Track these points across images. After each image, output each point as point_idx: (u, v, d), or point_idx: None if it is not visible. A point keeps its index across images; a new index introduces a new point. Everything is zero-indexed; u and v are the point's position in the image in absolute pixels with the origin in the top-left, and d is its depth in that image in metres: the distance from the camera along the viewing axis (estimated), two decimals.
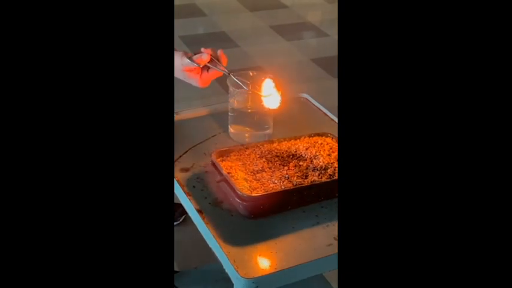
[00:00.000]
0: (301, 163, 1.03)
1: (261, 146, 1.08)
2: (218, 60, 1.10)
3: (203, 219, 0.95)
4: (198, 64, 1.09)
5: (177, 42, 3.12)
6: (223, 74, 1.11)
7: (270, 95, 1.09)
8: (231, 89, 1.15)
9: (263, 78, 1.12)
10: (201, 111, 1.30)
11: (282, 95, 1.10)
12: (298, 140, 1.11)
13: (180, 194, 1.03)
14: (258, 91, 1.10)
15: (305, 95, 1.38)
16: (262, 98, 1.10)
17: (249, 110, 1.16)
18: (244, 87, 1.10)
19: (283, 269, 0.85)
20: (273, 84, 1.09)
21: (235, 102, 1.17)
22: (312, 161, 1.04)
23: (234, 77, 1.11)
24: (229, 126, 1.21)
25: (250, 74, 1.15)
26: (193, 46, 3.13)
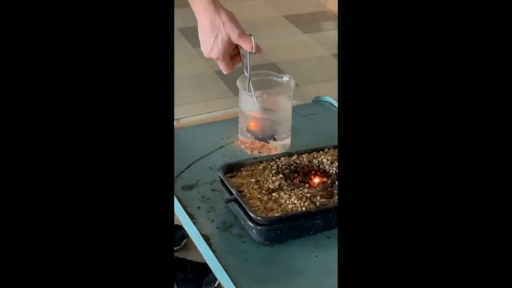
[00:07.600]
0: (325, 180, 1.04)
1: (277, 160, 1.08)
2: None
3: (210, 246, 0.95)
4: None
5: (176, 34, 3.16)
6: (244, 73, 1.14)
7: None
8: (241, 90, 1.15)
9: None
10: (205, 118, 1.30)
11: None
12: (321, 152, 1.11)
13: (183, 217, 1.02)
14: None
15: (328, 98, 1.39)
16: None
17: (263, 116, 1.16)
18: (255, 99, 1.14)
19: None
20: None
21: (246, 106, 1.17)
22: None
23: (251, 85, 1.14)
24: (239, 135, 1.21)
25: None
26: (194, 39, 3.15)
